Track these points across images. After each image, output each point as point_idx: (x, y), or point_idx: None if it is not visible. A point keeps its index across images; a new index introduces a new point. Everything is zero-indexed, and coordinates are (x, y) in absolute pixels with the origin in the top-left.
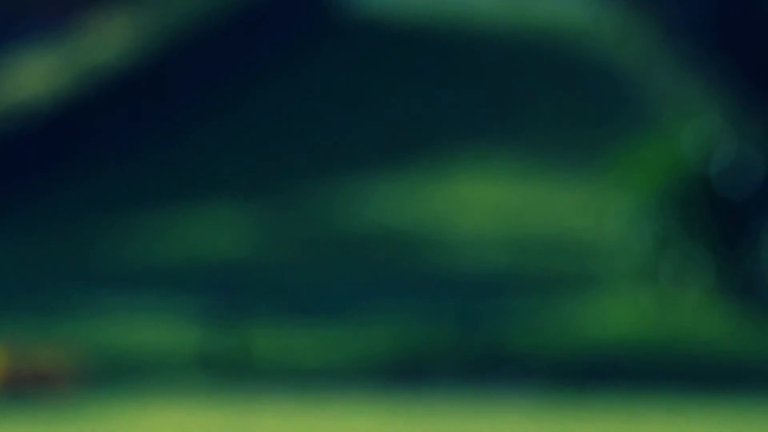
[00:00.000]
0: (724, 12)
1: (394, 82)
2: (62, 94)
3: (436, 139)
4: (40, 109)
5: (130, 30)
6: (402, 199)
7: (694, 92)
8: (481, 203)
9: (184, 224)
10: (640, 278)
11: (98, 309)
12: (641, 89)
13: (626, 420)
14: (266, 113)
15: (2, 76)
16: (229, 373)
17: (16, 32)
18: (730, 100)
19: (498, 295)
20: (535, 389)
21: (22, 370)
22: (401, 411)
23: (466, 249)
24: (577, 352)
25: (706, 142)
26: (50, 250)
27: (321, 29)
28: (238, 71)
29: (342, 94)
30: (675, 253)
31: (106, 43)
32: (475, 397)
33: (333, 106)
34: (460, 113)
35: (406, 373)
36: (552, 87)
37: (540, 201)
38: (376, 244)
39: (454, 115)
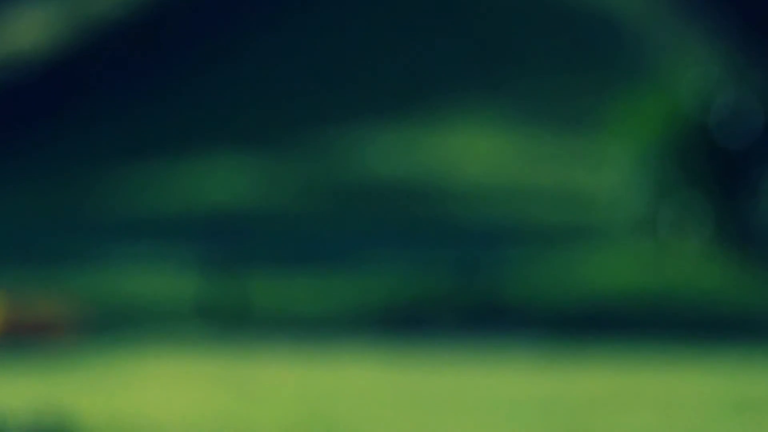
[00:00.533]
0: None
1: (391, 32)
2: (60, 44)
3: (433, 89)
4: (38, 59)
5: None
6: (400, 149)
7: (693, 41)
8: (479, 153)
9: (183, 173)
10: (638, 228)
11: (97, 258)
12: (640, 38)
13: (624, 369)
14: (264, 63)
15: (0, 25)
16: (228, 321)
17: None
18: (730, 49)
19: (496, 245)
20: (534, 338)
21: (21, 319)
22: (399, 359)
23: (465, 199)
24: (576, 302)
25: (706, 91)
26: (48, 199)
27: None
28: (236, 21)
29: (339, 44)
30: (674, 203)
31: None
32: (473, 346)
33: (330, 56)
34: (458, 63)
35: (405, 321)
36: (550, 36)
37: (538, 151)
38: (374, 194)
39: (452, 65)
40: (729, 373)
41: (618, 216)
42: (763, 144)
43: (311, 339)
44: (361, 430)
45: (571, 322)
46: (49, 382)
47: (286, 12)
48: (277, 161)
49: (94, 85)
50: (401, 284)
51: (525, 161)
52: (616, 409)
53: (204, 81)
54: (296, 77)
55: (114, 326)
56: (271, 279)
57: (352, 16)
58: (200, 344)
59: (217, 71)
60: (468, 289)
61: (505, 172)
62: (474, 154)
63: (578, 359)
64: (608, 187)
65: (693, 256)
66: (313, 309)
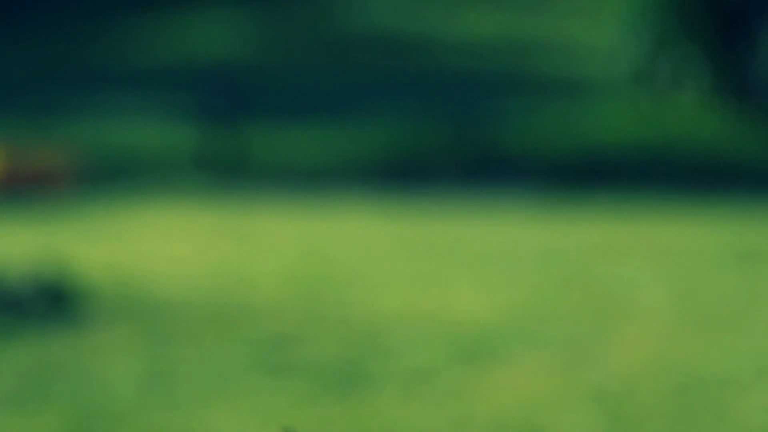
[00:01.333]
0: None
1: None
2: None
3: None
4: None
5: None
6: (397, 1)
7: None
8: (475, 5)
9: (182, 25)
10: (636, 80)
11: (96, 109)
12: None
13: (623, 220)
14: None
15: None
16: (226, 172)
17: None
18: None
19: (494, 97)
20: (532, 190)
21: (21, 169)
22: (398, 210)
23: (463, 50)
24: (574, 153)
25: None
26: (49, 50)
27: None
28: None
29: None
30: (672, 55)
31: None
32: (471, 197)
33: None
34: None
35: (403, 173)
36: None
37: (536, 2)
38: (372, 46)
39: None
40: (728, 224)
41: (616, 68)
42: None
43: (310, 190)
44: (360, 280)
45: (570, 174)
46: (48, 232)
47: None
48: (274, 12)
49: None
50: (399, 136)
51: (523, 13)
52: (614, 259)
53: None
54: None
55: (112, 176)
56: (269, 130)
57: None
58: (198, 195)
59: None
60: (466, 140)
61: (501, 23)
62: (470, 5)
63: (577, 210)
64: (607, 39)
65: (691, 108)
66: (311, 160)
